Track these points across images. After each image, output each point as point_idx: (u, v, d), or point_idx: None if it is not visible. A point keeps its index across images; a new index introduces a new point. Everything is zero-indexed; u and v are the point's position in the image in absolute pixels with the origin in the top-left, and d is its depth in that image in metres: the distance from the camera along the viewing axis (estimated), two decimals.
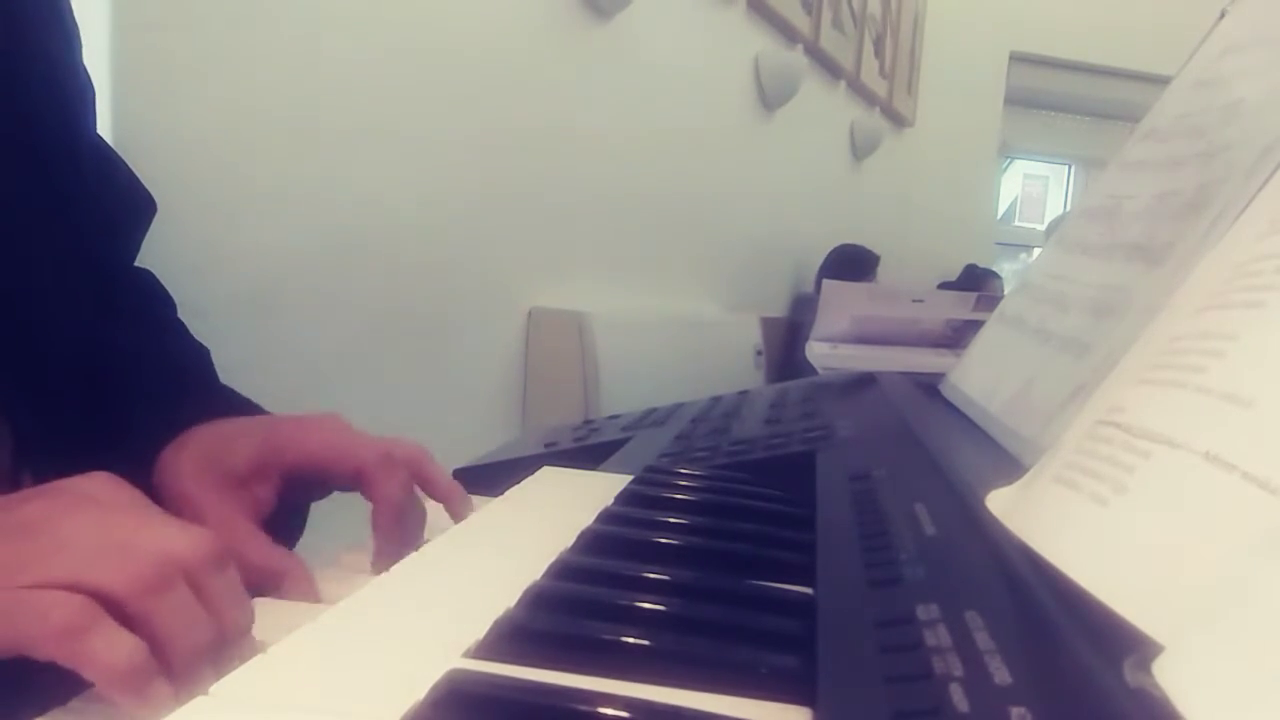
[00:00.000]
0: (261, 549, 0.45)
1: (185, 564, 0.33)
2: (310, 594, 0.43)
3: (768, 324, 2.31)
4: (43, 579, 0.31)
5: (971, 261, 3.75)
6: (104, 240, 0.58)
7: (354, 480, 0.47)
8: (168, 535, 0.34)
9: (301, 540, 0.54)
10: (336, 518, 0.53)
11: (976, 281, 3.50)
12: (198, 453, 0.49)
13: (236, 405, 0.56)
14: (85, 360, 0.53)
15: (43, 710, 0.30)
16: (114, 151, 0.62)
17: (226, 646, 0.34)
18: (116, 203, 0.60)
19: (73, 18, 0.56)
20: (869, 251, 2.83)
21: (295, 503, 0.51)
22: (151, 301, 0.65)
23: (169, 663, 0.31)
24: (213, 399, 0.56)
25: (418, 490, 0.49)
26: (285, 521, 0.50)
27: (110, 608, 0.31)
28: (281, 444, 0.48)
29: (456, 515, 0.50)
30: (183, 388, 0.57)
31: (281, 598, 0.42)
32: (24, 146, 0.49)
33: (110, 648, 0.30)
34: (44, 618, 0.30)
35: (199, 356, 0.63)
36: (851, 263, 2.75)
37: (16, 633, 0.30)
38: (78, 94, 0.56)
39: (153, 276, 0.66)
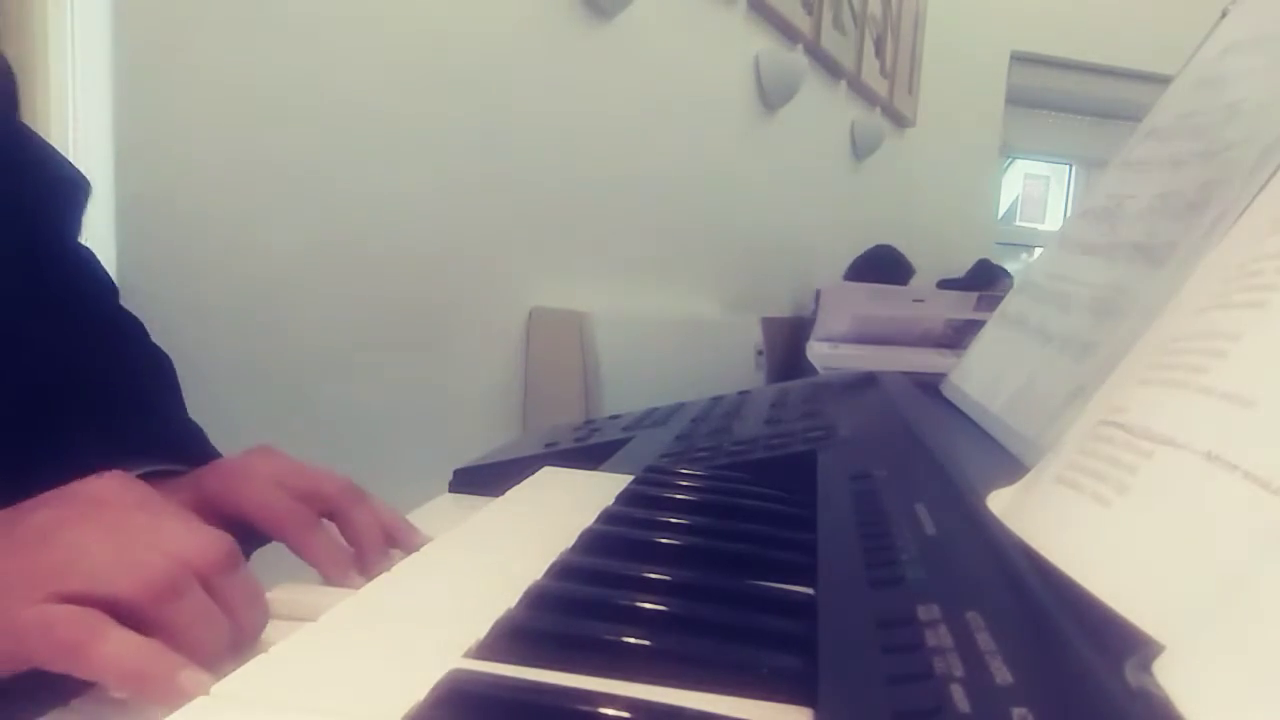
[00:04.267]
0: None
1: (198, 566, 0.33)
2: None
3: (768, 324, 2.30)
4: (58, 592, 0.31)
5: (981, 258, 3.63)
6: (27, 221, 0.55)
7: (277, 537, 0.45)
8: (180, 537, 0.34)
9: (285, 552, 0.53)
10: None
11: (986, 278, 3.35)
12: None
13: (179, 433, 0.54)
14: (7, 352, 0.50)
15: (44, 710, 0.30)
16: (38, 135, 0.60)
17: (243, 644, 0.34)
18: (40, 182, 0.58)
19: None
20: (904, 259, 2.65)
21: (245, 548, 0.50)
22: (91, 288, 0.61)
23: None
24: (160, 425, 0.54)
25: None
26: None
27: (127, 615, 0.31)
28: (210, 499, 0.46)
29: (366, 567, 0.45)
30: (121, 406, 0.55)
31: None
32: None
33: (118, 652, 0.30)
34: (48, 634, 0.30)
35: (153, 367, 0.60)
36: (883, 267, 2.53)
37: (26, 650, 0.30)
38: None
39: (93, 257, 0.61)
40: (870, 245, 2.79)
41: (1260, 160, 0.41)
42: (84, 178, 0.61)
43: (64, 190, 0.59)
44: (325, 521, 0.46)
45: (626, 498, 0.49)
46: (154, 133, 0.95)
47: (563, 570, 0.37)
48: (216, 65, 1.02)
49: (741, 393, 0.88)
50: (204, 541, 0.34)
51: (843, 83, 2.87)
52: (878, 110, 3.20)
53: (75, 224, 0.60)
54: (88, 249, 0.61)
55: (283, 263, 1.11)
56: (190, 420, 0.59)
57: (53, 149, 0.60)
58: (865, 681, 0.27)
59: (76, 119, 0.86)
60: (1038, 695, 0.24)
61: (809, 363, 1.46)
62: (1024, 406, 0.51)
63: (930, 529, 0.38)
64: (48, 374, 0.52)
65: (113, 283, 0.62)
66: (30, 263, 0.54)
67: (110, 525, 0.34)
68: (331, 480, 0.47)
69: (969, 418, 0.59)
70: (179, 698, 0.28)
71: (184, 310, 0.69)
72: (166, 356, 0.61)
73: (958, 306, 1.43)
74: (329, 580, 0.44)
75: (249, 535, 0.47)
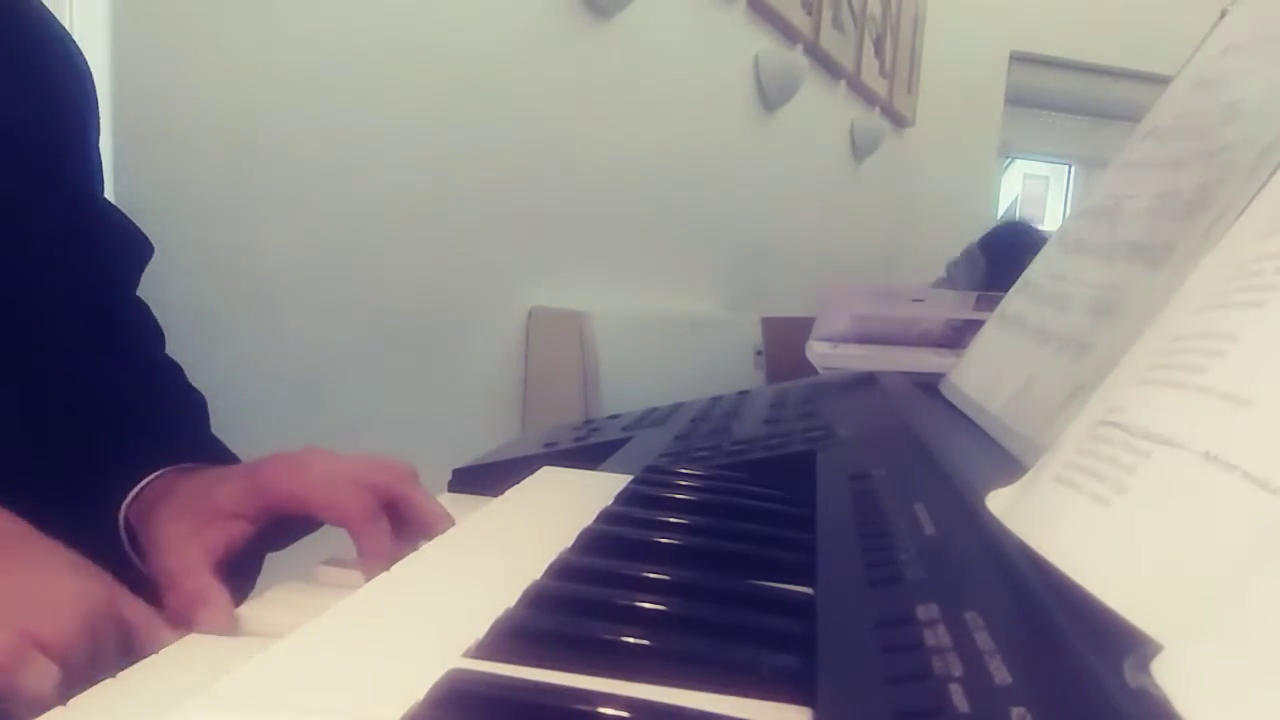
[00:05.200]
0: (196, 577, 0.45)
1: (102, 609, 0.38)
2: (224, 625, 0.43)
3: (768, 324, 2.30)
4: None
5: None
6: (102, 275, 0.62)
7: (341, 526, 0.48)
8: (80, 584, 0.39)
9: (285, 552, 0.54)
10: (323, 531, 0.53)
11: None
12: (178, 496, 0.50)
13: (218, 457, 0.58)
14: (78, 389, 0.56)
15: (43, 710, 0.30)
16: (112, 204, 0.67)
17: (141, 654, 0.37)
18: (115, 242, 0.65)
19: (97, 105, 0.65)
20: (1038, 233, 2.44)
21: (275, 541, 0.52)
22: (146, 336, 0.67)
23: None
24: (195, 448, 0.58)
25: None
26: (252, 559, 0.50)
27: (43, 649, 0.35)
28: (265, 485, 0.49)
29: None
30: (168, 433, 0.60)
31: (196, 627, 0.42)
32: (45, 197, 0.56)
33: (37, 684, 0.33)
34: None
35: (191, 406, 0.65)
36: (1016, 245, 2.26)
37: None
38: (94, 165, 0.65)
39: (148, 310, 0.68)
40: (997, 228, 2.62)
41: (1259, 160, 0.41)
42: (147, 240, 0.68)
43: (129, 253, 0.67)
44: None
45: (626, 497, 0.49)
46: (152, 133, 0.95)
47: (562, 570, 0.37)
48: (215, 66, 1.02)
49: (741, 393, 0.88)
50: (94, 589, 0.39)
51: (842, 83, 2.87)
52: (877, 110, 3.19)
53: (136, 279, 0.67)
54: (143, 301, 0.68)
55: (282, 262, 1.11)
56: (221, 443, 0.63)
57: (123, 214, 0.67)
58: (864, 681, 0.27)
59: None
60: (1036, 695, 0.24)
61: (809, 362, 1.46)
62: (1023, 406, 0.51)
63: (929, 529, 0.38)
64: (105, 405, 0.57)
65: (161, 330, 0.68)
66: (97, 312, 0.60)
67: (13, 568, 0.38)
68: (384, 470, 0.50)
69: (968, 418, 0.59)
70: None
71: (181, 309, 0.69)
72: (201, 395, 0.66)
73: (958, 306, 1.43)
74: (367, 576, 0.44)
75: (294, 524, 0.50)
